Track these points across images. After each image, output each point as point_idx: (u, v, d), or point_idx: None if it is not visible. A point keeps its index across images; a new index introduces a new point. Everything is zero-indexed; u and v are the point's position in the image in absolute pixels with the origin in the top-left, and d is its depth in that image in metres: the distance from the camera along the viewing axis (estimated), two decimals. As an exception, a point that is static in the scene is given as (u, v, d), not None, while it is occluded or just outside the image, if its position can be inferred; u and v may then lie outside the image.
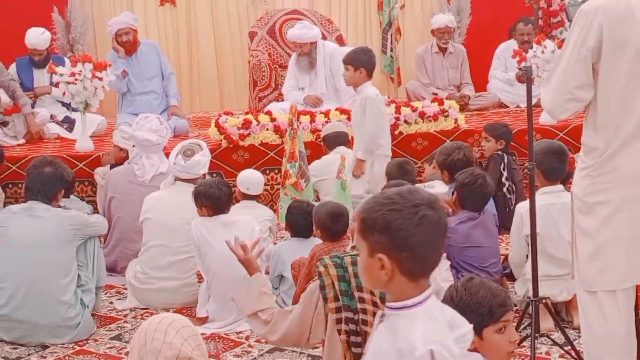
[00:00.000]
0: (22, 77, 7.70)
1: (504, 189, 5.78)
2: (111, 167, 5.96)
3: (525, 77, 3.83)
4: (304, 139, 6.23)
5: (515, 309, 4.60)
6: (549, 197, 4.37)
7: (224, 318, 4.66)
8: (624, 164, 3.15)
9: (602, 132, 3.17)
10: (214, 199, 4.69)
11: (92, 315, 4.72)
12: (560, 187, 4.45)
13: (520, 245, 4.47)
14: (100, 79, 6.89)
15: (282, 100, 7.84)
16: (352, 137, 6.04)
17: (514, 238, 4.56)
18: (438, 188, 5.24)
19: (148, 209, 5.08)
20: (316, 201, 5.43)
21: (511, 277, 4.77)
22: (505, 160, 5.88)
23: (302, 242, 4.86)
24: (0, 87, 7.43)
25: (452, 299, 2.75)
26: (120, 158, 5.97)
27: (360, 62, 5.55)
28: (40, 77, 7.71)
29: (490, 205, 4.91)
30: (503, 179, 5.78)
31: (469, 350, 2.68)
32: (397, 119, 6.94)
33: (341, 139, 6.19)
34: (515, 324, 3.03)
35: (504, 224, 5.15)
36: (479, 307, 2.67)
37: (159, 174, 5.53)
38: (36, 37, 7.61)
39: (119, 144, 6.02)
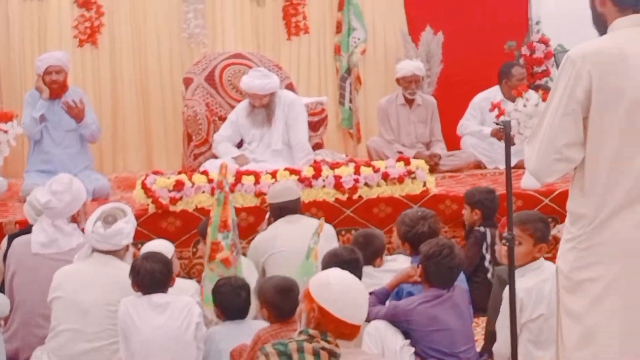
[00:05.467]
0: None
1: (489, 275, 5.75)
2: (10, 238, 5.84)
3: (504, 134, 3.87)
4: (246, 204, 6.21)
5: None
6: (535, 273, 4.43)
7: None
8: (616, 235, 3.19)
9: (591, 198, 3.22)
10: (144, 274, 4.72)
11: (-12, 415, 4.63)
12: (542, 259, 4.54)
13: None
14: (6, 131, 6.85)
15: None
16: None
17: (502, 326, 4.56)
18: (401, 263, 5.27)
19: (58, 286, 4.99)
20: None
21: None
22: (488, 239, 5.91)
23: (239, 324, 4.83)
24: None
25: None
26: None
27: None
28: None
29: (461, 280, 4.94)
30: (486, 263, 5.76)
31: None
32: (357, 180, 6.97)
33: (288, 209, 5.97)
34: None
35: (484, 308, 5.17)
36: None
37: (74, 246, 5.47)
38: None
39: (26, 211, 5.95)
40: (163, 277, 4.76)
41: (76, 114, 7.56)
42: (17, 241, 5.66)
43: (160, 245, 5.44)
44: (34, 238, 5.48)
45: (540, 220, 4.67)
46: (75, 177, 5.82)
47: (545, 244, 4.66)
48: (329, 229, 6.06)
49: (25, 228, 5.85)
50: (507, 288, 4.53)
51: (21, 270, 5.47)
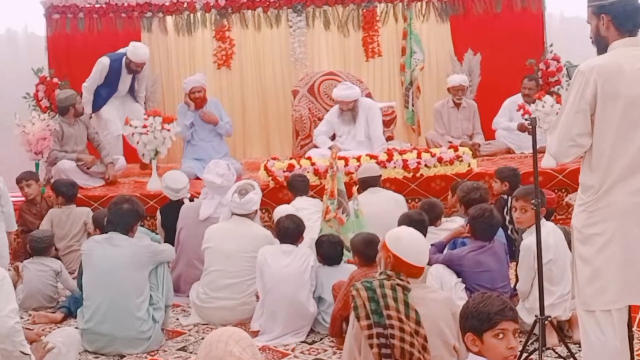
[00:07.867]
0: (110, 76, 7.94)
1: (509, 232, 5.57)
2: (161, 210, 6.04)
3: (531, 127, 3.81)
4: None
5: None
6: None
7: (272, 331, 4.68)
8: (615, 200, 3.16)
9: (597, 173, 3.19)
10: (282, 229, 4.83)
11: (162, 329, 4.74)
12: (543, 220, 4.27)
13: (528, 276, 4.38)
14: (169, 130, 7.01)
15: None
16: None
17: (520, 271, 4.50)
18: (458, 223, 5.22)
19: (209, 238, 5.10)
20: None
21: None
22: (509, 204, 5.76)
23: (335, 268, 4.87)
24: (88, 140, 7.55)
25: (464, 308, 2.78)
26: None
27: None
28: (124, 80, 8.05)
29: (500, 236, 4.87)
30: (506, 222, 5.58)
31: (474, 352, 2.69)
32: (419, 163, 6.94)
33: (370, 183, 5.95)
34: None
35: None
36: (479, 314, 2.67)
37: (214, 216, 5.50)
38: (145, 53, 7.89)
39: (164, 191, 6.06)
40: (294, 233, 4.84)
41: (210, 121, 7.69)
42: (186, 206, 5.73)
43: (289, 209, 5.50)
44: (203, 210, 5.54)
45: (540, 193, 4.46)
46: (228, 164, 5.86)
47: (545, 208, 4.39)
48: (400, 198, 6.03)
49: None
50: (522, 242, 4.46)
51: (186, 227, 5.57)
